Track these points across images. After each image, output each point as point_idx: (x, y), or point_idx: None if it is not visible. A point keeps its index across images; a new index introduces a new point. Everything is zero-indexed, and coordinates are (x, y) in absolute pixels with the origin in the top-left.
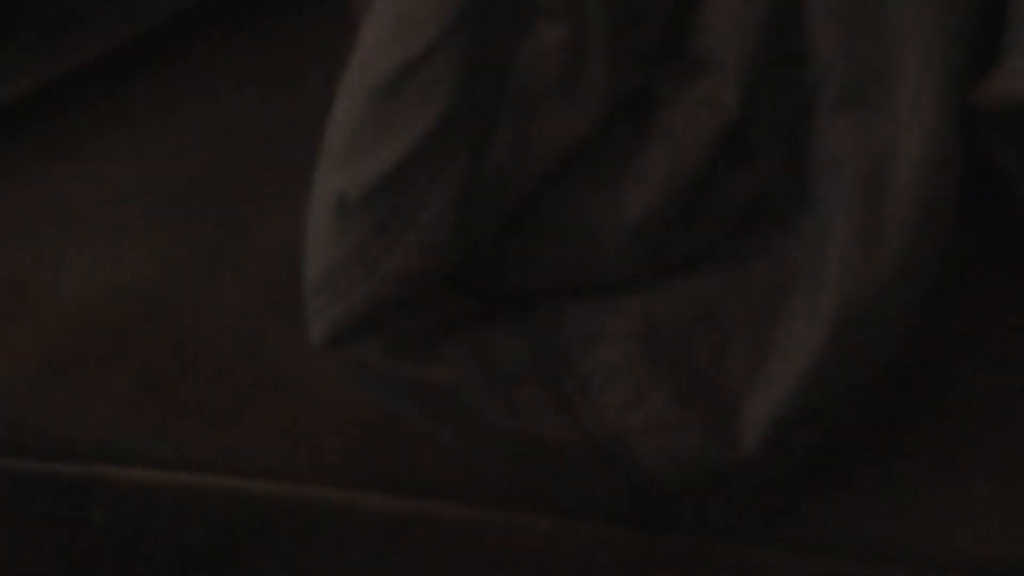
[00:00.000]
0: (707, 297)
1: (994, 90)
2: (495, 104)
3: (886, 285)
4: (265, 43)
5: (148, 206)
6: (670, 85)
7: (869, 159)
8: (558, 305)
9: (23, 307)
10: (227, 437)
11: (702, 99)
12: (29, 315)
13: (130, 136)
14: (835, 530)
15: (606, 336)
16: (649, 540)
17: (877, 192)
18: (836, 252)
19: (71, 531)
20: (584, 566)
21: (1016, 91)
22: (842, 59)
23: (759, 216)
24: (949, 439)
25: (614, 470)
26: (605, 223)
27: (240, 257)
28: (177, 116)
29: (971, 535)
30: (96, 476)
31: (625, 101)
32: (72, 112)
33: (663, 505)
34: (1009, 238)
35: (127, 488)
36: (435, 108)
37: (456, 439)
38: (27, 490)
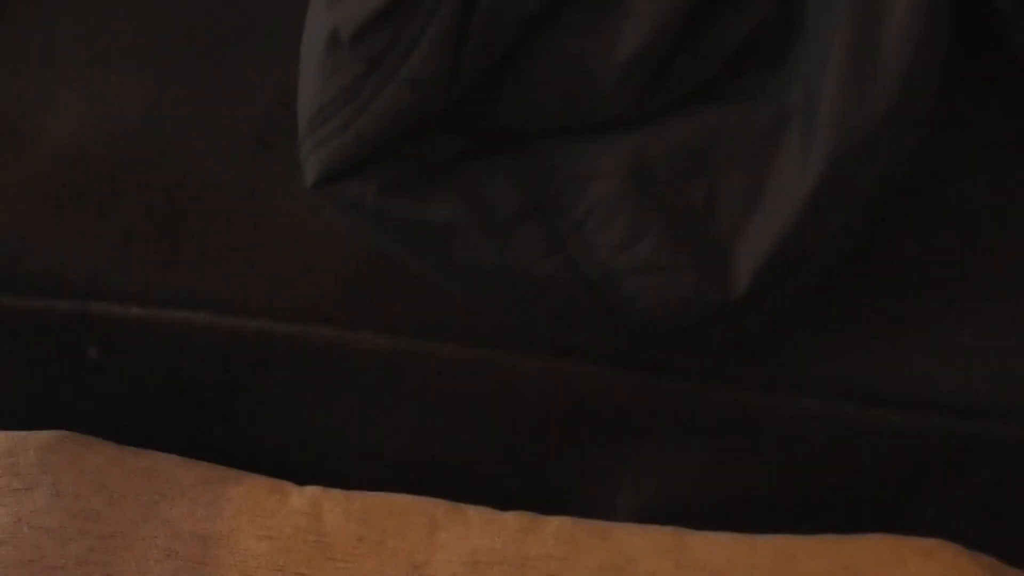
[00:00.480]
0: (700, 138)
1: None
2: None
3: (879, 123)
4: None
5: (137, 47)
6: None
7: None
8: (551, 145)
9: (14, 147)
10: (222, 276)
11: None
12: (21, 155)
13: None
14: (820, 372)
15: (599, 175)
16: (637, 380)
17: (871, 30)
18: (830, 92)
19: (67, 369)
20: (572, 404)
21: None
22: None
23: (753, 56)
24: (935, 291)
25: (605, 310)
26: (597, 61)
27: (231, 98)
28: None
29: (952, 379)
30: (91, 313)
31: None
32: None
33: (652, 346)
34: (1002, 79)
35: (122, 325)
36: None
37: (449, 279)
38: (23, 327)
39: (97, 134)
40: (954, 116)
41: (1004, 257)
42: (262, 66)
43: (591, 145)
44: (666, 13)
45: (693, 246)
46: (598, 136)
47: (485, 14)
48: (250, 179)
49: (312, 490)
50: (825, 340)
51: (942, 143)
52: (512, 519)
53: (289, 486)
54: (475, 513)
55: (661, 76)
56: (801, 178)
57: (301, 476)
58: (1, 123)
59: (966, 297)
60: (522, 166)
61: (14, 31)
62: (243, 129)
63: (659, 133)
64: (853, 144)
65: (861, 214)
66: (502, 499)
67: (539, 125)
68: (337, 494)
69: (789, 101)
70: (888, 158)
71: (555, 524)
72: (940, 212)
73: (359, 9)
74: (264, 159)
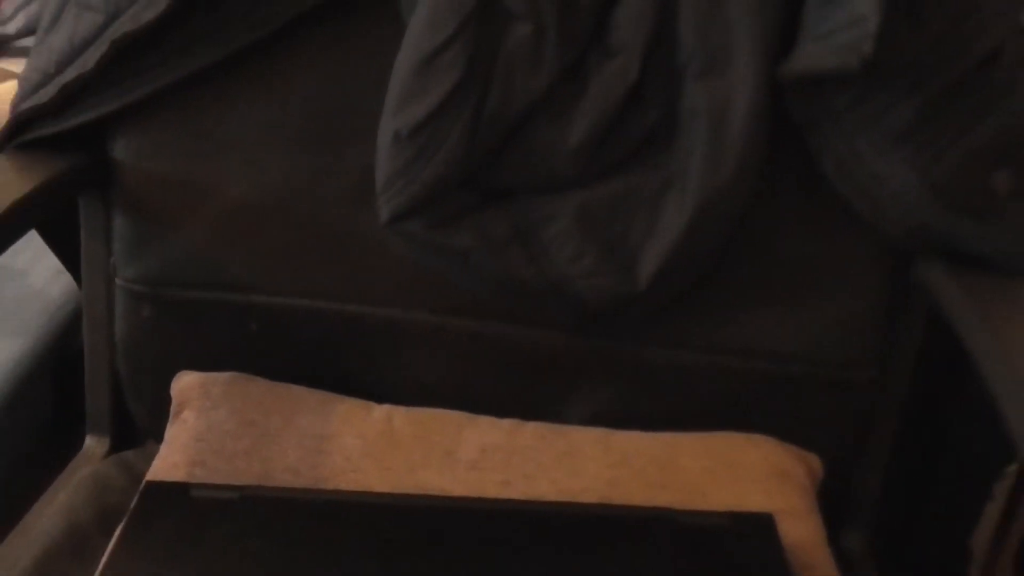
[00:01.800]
0: (619, 193)
1: (791, 67)
2: (489, 74)
3: (726, 188)
4: (351, 36)
5: (279, 136)
6: (596, 62)
7: (716, 108)
8: (529, 198)
9: (201, 199)
10: (330, 277)
11: (616, 71)
12: (205, 203)
13: (269, 92)
14: (697, 335)
15: (559, 216)
16: (582, 343)
17: (721, 129)
18: (696, 166)
19: (238, 336)
20: (543, 356)
21: (801, 68)
22: (700, 45)
23: (649, 143)
24: (757, 280)
25: (564, 300)
26: (557, 146)
27: (337, 166)
28: (297, 79)
29: (761, 333)
30: (252, 301)
31: (569, 71)
32: (231, 78)
33: (591, 321)
34: (803, 163)
35: (271, 309)
36: (453, 77)
37: (467, 281)
38: (211, 311)
39: (252, 188)
40: (776, 179)
41: (809, 265)
42: (356, 146)
43: (553, 198)
44: (599, 117)
45: (614, 261)
46: (558, 192)
47: (489, 119)
48: (350, 218)
49: (386, 407)
50: (701, 315)
51: (768, 196)
52: (507, 424)
53: (373, 405)
54: (484, 420)
55: (595, 155)
56: (679, 218)
57: (379, 399)
58: (192, 185)
59: (774, 284)
60: (511, 211)
61: (198, 119)
62: (345, 187)
63: (595, 190)
64: (710, 197)
65: (717, 241)
66: (500, 412)
67: (521, 185)
68: (401, 409)
69: (671, 171)
70: (733, 206)
71: (532, 427)
72: (766, 238)
73: (412, 117)
74: (358, 206)
